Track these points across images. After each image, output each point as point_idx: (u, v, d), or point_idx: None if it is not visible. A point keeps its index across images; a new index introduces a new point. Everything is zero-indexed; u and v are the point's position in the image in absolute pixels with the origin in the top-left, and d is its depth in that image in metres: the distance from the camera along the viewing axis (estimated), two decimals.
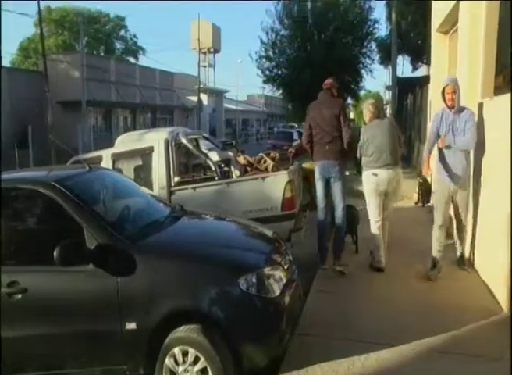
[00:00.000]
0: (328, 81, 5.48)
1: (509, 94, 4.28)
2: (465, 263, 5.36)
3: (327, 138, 5.26)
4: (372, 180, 5.30)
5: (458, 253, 5.39)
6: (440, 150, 5.15)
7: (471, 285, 4.94)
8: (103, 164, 6.07)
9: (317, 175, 5.37)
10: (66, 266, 3.07)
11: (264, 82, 24.06)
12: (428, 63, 14.58)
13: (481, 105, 5.33)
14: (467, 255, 5.55)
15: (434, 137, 5.21)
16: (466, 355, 3.60)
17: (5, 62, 29.73)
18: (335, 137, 5.24)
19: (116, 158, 6.20)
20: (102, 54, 46.02)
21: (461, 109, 5.03)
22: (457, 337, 3.84)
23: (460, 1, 6.51)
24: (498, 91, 5.46)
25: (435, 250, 5.18)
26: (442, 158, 5.15)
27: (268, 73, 23.41)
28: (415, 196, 9.65)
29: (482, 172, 5.14)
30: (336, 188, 5.32)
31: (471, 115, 4.99)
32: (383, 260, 5.41)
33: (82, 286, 3.22)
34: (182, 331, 3.10)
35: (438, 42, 9.16)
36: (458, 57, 6.89)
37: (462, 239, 5.34)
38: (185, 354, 3.11)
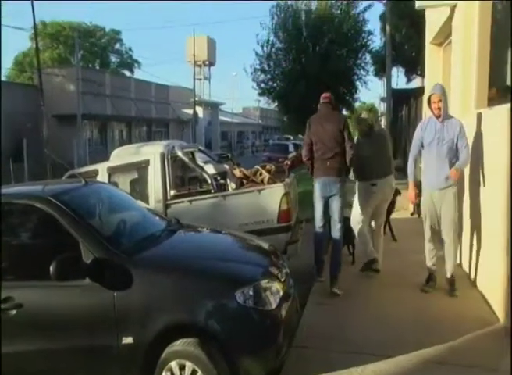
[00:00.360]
0: (327, 95, 5.39)
1: (507, 105, 4.32)
2: (453, 287, 4.98)
3: (329, 154, 5.10)
4: (371, 189, 5.46)
5: (448, 274, 5.03)
6: (425, 157, 5.07)
7: (467, 295, 4.94)
8: (99, 178, 6.07)
9: (317, 193, 5.20)
10: (62, 281, 3.06)
11: (260, 94, 24.19)
12: (422, 75, 14.73)
13: (479, 115, 5.36)
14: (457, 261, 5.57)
15: (417, 149, 5.09)
16: (463, 365, 3.60)
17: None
18: (337, 152, 5.10)
19: (112, 171, 6.20)
20: (97, 67, 46.19)
21: (448, 118, 4.92)
22: (454, 348, 3.84)
23: (454, 14, 6.60)
24: (491, 101, 5.53)
25: (429, 263, 5.13)
26: (425, 166, 5.08)
27: (263, 85, 23.54)
28: (411, 207, 9.67)
29: (480, 179, 5.16)
30: (336, 206, 5.16)
31: (461, 127, 4.85)
32: (375, 254, 5.62)
33: (78, 301, 3.21)
34: (179, 345, 3.09)
35: (432, 54, 9.27)
36: (452, 69, 6.98)
37: (449, 258, 4.99)
38: (182, 368, 3.09)
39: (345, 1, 22.31)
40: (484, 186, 4.92)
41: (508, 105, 4.33)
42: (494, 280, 4.47)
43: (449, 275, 5.01)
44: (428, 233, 5.10)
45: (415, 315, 4.54)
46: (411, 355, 3.73)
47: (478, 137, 5.18)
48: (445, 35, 8.03)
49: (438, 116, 4.87)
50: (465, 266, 5.73)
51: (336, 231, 5.23)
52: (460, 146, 4.81)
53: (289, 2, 22.36)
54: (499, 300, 4.35)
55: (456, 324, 4.26)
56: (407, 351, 3.76)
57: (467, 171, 5.58)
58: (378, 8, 35.11)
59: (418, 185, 9.30)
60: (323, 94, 5.41)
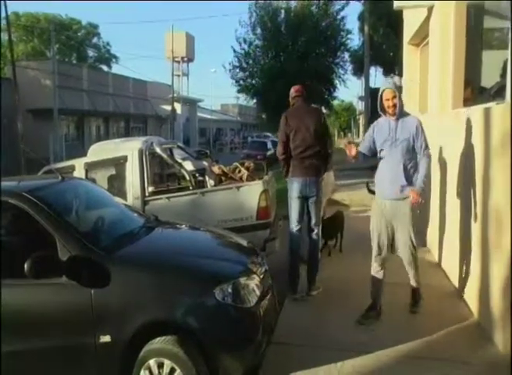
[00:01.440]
0: (298, 87, 5.13)
1: (483, 105, 4.41)
2: (416, 303, 4.60)
3: (308, 152, 4.85)
4: None
5: (412, 282, 4.56)
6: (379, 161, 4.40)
7: (444, 291, 5.03)
8: (76, 174, 5.99)
9: (294, 193, 4.92)
10: (38, 279, 3.01)
11: (238, 92, 24.19)
12: (400, 75, 14.86)
13: (456, 115, 5.45)
14: (437, 259, 5.67)
15: (365, 150, 4.41)
16: (439, 359, 3.67)
17: None
18: (317, 150, 4.88)
19: (89, 167, 6.12)
20: (74, 61, 45.48)
21: (404, 116, 4.32)
22: (431, 343, 3.91)
23: (431, 15, 6.69)
24: (466, 102, 5.63)
25: (372, 291, 4.45)
26: (378, 172, 4.42)
27: (241, 82, 23.54)
28: None
29: (455, 178, 5.26)
30: (314, 208, 4.96)
31: (418, 125, 4.23)
32: None
33: (54, 299, 3.16)
34: (157, 343, 3.07)
35: (409, 54, 9.38)
36: (429, 69, 7.07)
37: (413, 278, 4.51)
38: (160, 366, 3.07)
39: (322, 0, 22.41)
40: (458, 185, 5.01)
41: (483, 105, 4.42)
42: (469, 277, 4.56)
43: (413, 284, 4.55)
44: (374, 250, 4.41)
45: (394, 311, 4.59)
46: (389, 351, 3.78)
47: (454, 135, 5.26)
48: (422, 36, 8.14)
49: (392, 114, 4.24)
50: (433, 252, 5.83)
51: (314, 235, 5.06)
52: (418, 148, 4.21)
53: (267, 1, 22.38)
54: (473, 295, 4.45)
55: (433, 320, 4.33)
56: (384, 347, 3.81)
57: (439, 171, 5.70)
58: (357, 7, 35.54)
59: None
60: (292, 89, 5.15)
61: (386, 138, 4.26)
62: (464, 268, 4.74)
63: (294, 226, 5.02)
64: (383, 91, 4.23)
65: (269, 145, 25.01)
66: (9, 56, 21.28)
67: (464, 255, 4.72)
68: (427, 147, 4.24)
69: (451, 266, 5.33)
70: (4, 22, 21.15)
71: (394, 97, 4.18)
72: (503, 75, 4.38)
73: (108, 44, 51.89)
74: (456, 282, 5.10)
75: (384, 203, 4.30)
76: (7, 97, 22.23)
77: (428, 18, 6.88)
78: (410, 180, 4.20)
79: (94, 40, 51.52)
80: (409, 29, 9.02)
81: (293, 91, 5.13)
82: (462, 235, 4.83)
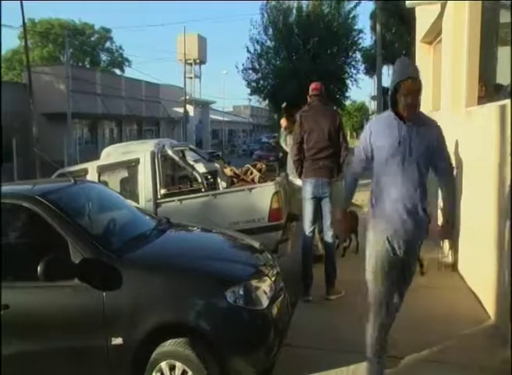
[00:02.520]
0: (317, 85, 5.02)
1: (497, 103, 4.34)
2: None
3: (322, 154, 4.81)
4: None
5: None
6: (380, 180, 3.25)
7: (457, 293, 4.96)
8: (89, 177, 6.03)
9: (307, 194, 4.91)
10: (50, 282, 3.03)
11: (251, 94, 24.19)
12: None
13: (469, 113, 5.38)
14: (451, 260, 5.62)
15: (361, 165, 3.44)
16: (454, 363, 3.62)
17: None
18: (331, 153, 4.84)
19: (102, 170, 6.16)
20: (88, 66, 45.92)
21: (423, 120, 3.20)
22: (445, 346, 3.85)
23: (444, 13, 6.61)
24: (481, 100, 5.55)
25: (370, 350, 3.32)
26: (379, 197, 3.27)
27: (254, 84, 23.54)
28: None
29: (469, 178, 5.19)
30: (328, 210, 4.91)
31: (440, 135, 3.16)
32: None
33: (67, 301, 3.18)
34: (169, 345, 3.07)
35: (422, 52, 9.30)
36: (442, 67, 7.00)
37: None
38: (172, 368, 3.07)
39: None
40: (473, 185, 4.94)
41: (497, 103, 4.35)
42: (485, 277, 4.49)
43: None
44: (374, 309, 3.26)
45: (407, 313, 4.53)
46: (403, 354, 3.73)
47: (468, 134, 5.20)
48: (435, 34, 8.06)
49: (410, 117, 3.06)
50: (449, 255, 5.77)
51: (329, 238, 5.02)
52: (442, 167, 3.15)
53: (280, 1, 22.36)
54: (489, 297, 4.38)
55: (448, 322, 4.27)
56: (398, 350, 3.76)
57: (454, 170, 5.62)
58: (369, 6, 35.40)
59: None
60: (312, 85, 5.06)
61: (396, 150, 3.05)
62: (480, 269, 4.67)
63: (308, 227, 5.00)
64: (406, 79, 3.00)
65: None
66: (25, 62, 21.52)
67: (480, 256, 4.65)
68: (451, 167, 3.25)
69: (467, 267, 5.26)
70: (21, 29, 21.43)
71: (419, 91, 3.03)
72: None
73: (120, 47, 52.40)
74: (472, 284, 5.03)
75: (392, 237, 3.14)
76: (22, 101, 22.53)
77: (441, 15, 6.81)
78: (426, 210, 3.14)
79: (107, 44, 52.02)
80: (421, 27, 8.94)
81: (311, 88, 5.05)
82: (478, 236, 4.76)
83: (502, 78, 5.57)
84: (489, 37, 5.79)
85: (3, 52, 44.65)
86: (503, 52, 5.82)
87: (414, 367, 3.60)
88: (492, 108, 4.46)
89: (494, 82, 5.87)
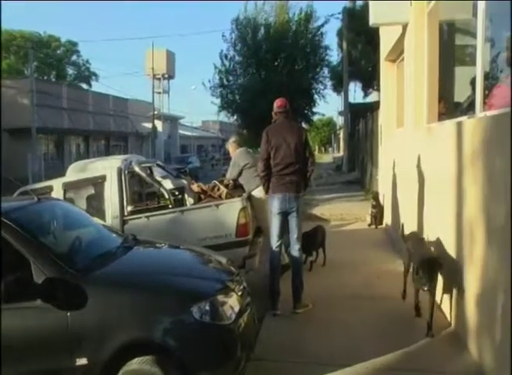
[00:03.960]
0: (282, 102, 5.10)
1: (455, 119, 4.52)
2: None
3: (289, 169, 4.88)
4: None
5: None
6: None
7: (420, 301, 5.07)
8: (54, 194, 5.93)
9: (274, 209, 4.96)
10: (12, 303, 2.97)
11: (220, 110, 24.24)
12: (378, 89, 15.14)
13: (430, 129, 5.56)
14: None
15: None
16: (416, 370, 3.72)
17: None
18: (297, 168, 4.92)
19: (67, 187, 6.08)
20: (53, 79, 45.24)
21: None
22: (408, 353, 3.95)
23: (406, 33, 6.85)
24: (441, 116, 5.76)
25: None
26: None
27: (223, 99, 23.62)
28: (368, 218, 9.89)
29: (430, 192, 5.35)
30: (295, 223, 4.98)
31: None
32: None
33: (29, 323, 3.11)
34: (135, 363, 3.04)
35: (386, 70, 9.59)
36: (405, 85, 7.23)
37: None
38: None
39: (302, 17, 22.72)
40: (434, 198, 5.11)
41: (455, 119, 4.54)
42: (446, 287, 4.63)
43: None
44: None
45: (371, 323, 4.63)
46: (368, 363, 3.80)
47: (429, 149, 5.37)
48: (398, 52, 8.33)
49: None
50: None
51: (296, 251, 5.05)
52: None
53: (249, 16, 22.62)
54: (448, 304, 4.52)
55: (411, 329, 4.39)
56: (363, 359, 3.84)
57: (416, 184, 5.80)
58: (336, 24, 36.21)
59: (376, 198, 9.58)
60: (277, 102, 5.13)
61: None
62: (440, 278, 4.80)
63: (275, 242, 5.05)
64: None
65: None
66: None
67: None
68: None
69: None
70: None
71: None
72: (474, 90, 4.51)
73: (87, 61, 51.83)
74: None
75: None
76: None
77: (403, 35, 7.06)
78: None
79: (74, 57, 51.39)
80: (385, 45, 9.23)
81: (275, 105, 5.13)
82: (439, 248, 4.91)
83: (459, 96, 5.81)
84: (447, 58, 6.05)
85: None
86: (458, 72, 6.09)
87: (378, 374, 3.67)
88: (450, 125, 4.64)
89: (453, 99, 6.11)
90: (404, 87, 7.34)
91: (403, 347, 4.04)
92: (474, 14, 4.29)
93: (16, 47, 41.23)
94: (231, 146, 6.53)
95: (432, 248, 4.92)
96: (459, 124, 4.29)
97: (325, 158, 46.23)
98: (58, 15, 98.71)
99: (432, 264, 4.25)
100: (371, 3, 7.22)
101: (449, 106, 6.04)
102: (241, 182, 6.08)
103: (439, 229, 4.94)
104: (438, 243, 4.89)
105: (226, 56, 23.06)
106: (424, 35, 6.05)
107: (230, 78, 23.51)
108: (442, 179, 4.77)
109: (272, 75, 21.83)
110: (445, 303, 4.71)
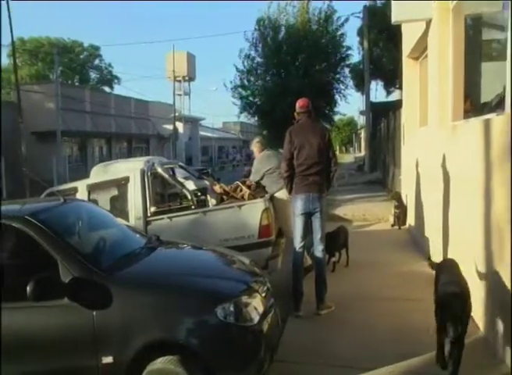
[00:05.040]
0: (304, 102, 5.06)
1: (482, 117, 4.43)
2: None
3: (312, 170, 4.87)
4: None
5: None
6: None
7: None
8: (78, 195, 6.02)
9: (297, 210, 4.94)
10: (40, 301, 3.02)
11: (240, 111, 24.27)
12: (400, 88, 14.96)
13: (455, 127, 5.47)
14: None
15: None
16: None
17: None
18: (320, 168, 4.90)
19: (92, 189, 6.16)
20: (77, 83, 45.98)
21: None
22: (432, 359, 3.88)
23: (429, 29, 6.75)
24: (466, 114, 5.66)
25: None
26: None
27: (243, 100, 23.65)
28: (391, 219, 9.78)
29: (454, 190, 5.26)
30: (318, 224, 4.95)
31: None
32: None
33: (57, 321, 3.16)
34: (159, 363, 3.06)
35: (409, 68, 9.46)
36: (429, 82, 7.12)
37: None
38: None
39: (322, 17, 22.61)
40: (460, 198, 5.02)
41: (482, 117, 4.45)
42: (477, 292, 4.53)
43: None
44: None
45: (397, 326, 4.56)
46: (392, 367, 3.75)
47: (454, 148, 5.28)
48: (421, 49, 8.21)
49: None
50: None
51: (319, 252, 5.04)
52: None
53: (270, 16, 22.59)
54: (478, 309, 4.41)
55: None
56: (387, 363, 3.78)
57: (442, 183, 5.71)
58: (357, 22, 36.01)
59: (399, 198, 9.47)
60: (300, 102, 5.10)
61: None
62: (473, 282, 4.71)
63: (298, 243, 5.03)
64: None
65: None
66: (14, 80, 21.52)
67: (467, 267, 4.70)
68: None
69: None
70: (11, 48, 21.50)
71: None
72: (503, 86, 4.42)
73: (109, 65, 52.59)
74: None
75: None
76: (10, 120, 22.48)
77: (426, 31, 6.95)
78: None
79: (96, 61, 52.18)
80: (408, 43, 9.11)
81: (298, 105, 5.10)
82: (464, 247, 4.82)
83: (486, 92, 5.70)
84: (473, 53, 5.93)
85: None
86: (486, 68, 5.97)
87: None
88: (477, 122, 4.55)
89: (479, 96, 6.00)
90: (428, 85, 7.23)
91: (428, 350, 3.96)
92: (504, 6, 4.21)
93: (44, 54, 42.08)
94: (255, 147, 6.50)
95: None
96: (487, 122, 4.20)
97: (346, 158, 45.95)
98: (81, 20, 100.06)
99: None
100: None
101: (475, 103, 5.92)
102: (264, 184, 6.06)
103: (468, 231, 4.84)
104: (466, 244, 4.80)
105: (249, 56, 23.10)
106: (448, 31, 5.94)
107: (251, 79, 23.52)
108: (469, 179, 4.69)
109: (292, 75, 21.77)
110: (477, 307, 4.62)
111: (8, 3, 18.35)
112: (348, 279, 6.08)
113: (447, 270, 3.97)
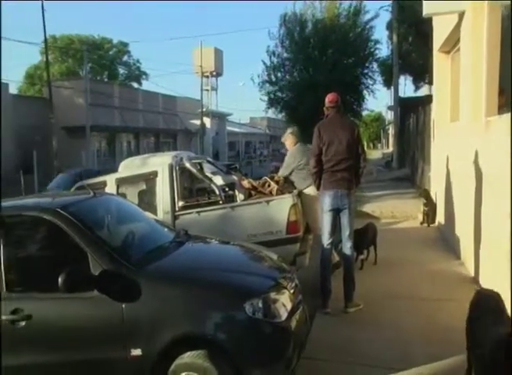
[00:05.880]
0: (334, 97, 5.00)
1: None
2: None
3: (341, 166, 4.80)
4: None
5: None
6: None
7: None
8: (107, 189, 6.09)
9: (325, 206, 4.89)
10: (71, 293, 3.06)
11: (268, 107, 24.22)
12: (430, 83, 14.70)
13: (489, 123, 5.31)
14: (473, 274, 5.52)
15: None
16: None
17: (13, 89, 30.14)
18: (349, 164, 4.83)
19: (120, 183, 6.22)
20: (106, 79, 46.63)
21: None
22: (462, 360, 3.79)
23: (462, 22, 6.58)
24: (501, 109, 5.49)
25: None
26: None
27: (271, 96, 23.59)
28: (420, 216, 9.61)
29: (492, 190, 5.12)
30: (347, 221, 4.90)
31: None
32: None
33: (87, 313, 3.20)
34: (188, 357, 3.07)
35: (440, 62, 9.25)
36: (461, 76, 6.94)
37: None
38: None
39: (352, 11, 22.33)
40: (493, 194, 4.88)
41: None
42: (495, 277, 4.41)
43: None
44: None
45: (426, 326, 4.48)
46: (422, 368, 3.67)
47: (488, 145, 5.14)
48: (453, 43, 8.02)
49: None
50: (468, 265, 5.66)
51: (347, 249, 4.99)
52: None
53: (296, 12, 22.45)
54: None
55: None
56: (417, 364, 3.71)
57: (474, 180, 5.56)
58: (385, 16, 35.44)
59: (428, 195, 9.30)
60: (329, 96, 5.03)
61: None
62: (504, 282, 4.58)
63: (326, 239, 4.98)
64: None
65: None
66: (46, 77, 22.00)
67: (502, 268, 4.57)
68: None
69: (488, 280, 5.17)
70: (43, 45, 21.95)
71: None
72: None
73: (138, 61, 53.01)
74: None
75: None
76: (43, 115, 22.99)
77: (458, 24, 6.77)
78: None
79: (125, 58, 52.74)
80: (439, 36, 8.91)
81: (327, 100, 5.03)
82: (499, 248, 4.69)
83: None
84: (508, 46, 5.74)
85: (27, 68, 45.83)
86: None
87: None
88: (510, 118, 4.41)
89: None
90: (460, 79, 7.05)
91: (458, 352, 3.87)
92: None
93: (74, 50, 42.85)
94: (288, 138, 6.29)
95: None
96: None
97: (374, 154, 45.44)
98: (111, 16, 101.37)
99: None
100: None
101: (510, 98, 5.74)
102: (292, 179, 6.01)
103: (499, 230, 4.70)
104: (496, 245, 4.67)
105: (274, 53, 23.01)
106: (483, 23, 5.74)
107: (278, 74, 23.43)
108: (503, 177, 4.55)
109: (319, 71, 21.58)
110: None
111: (42, 3, 18.74)
112: (376, 277, 5.99)
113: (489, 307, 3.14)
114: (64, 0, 49.46)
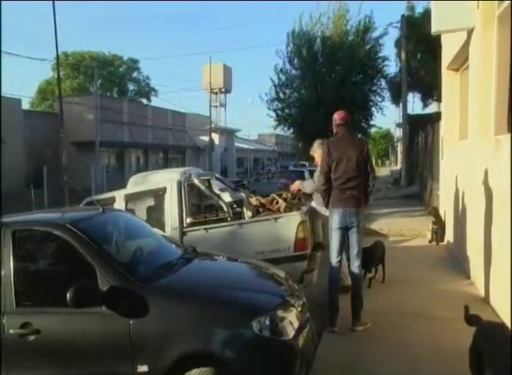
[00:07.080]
0: (343, 115, 5.00)
1: None
2: None
3: (350, 184, 4.80)
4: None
5: None
6: None
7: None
8: (116, 205, 6.12)
9: (334, 224, 4.88)
10: (79, 308, 3.07)
11: (276, 124, 24.30)
12: (438, 100, 14.70)
13: (498, 141, 5.30)
14: (483, 294, 5.45)
15: None
16: None
17: (25, 105, 30.55)
18: (358, 182, 4.82)
19: (129, 198, 6.25)
20: (115, 95, 47.17)
21: None
22: None
23: (471, 39, 6.59)
24: (510, 127, 5.47)
25: None
26: None
27: (279, 112, 23.69)
28: (428, 234, 9.55)
29: (502, 209, 5.09)
30: (355, 239, 4.88)
31: None
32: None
33: (94, 328, 3.21)
34: (194, 374, 3.05)
35: (448, 79, 9.27)
36: (470, 94, 6.93)
37: None
38: None
39: (361, 28, 22.44)
40: (503, 213, 4.84)
41: None
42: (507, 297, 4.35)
43: None
44: None
45: (432, 345, 4.42)
46: None
47: (498, 164, 5.12)
48: (461, 61, 8.04)
49: None
50: (478, 285, 5.59)
51: (355, 268, 4.96)
52: None
53: (304, 29, 22.62)
54: None
55: None
56: None
57: (484, 199, 5.53)
58: (394, 33, 35.62)
59: (437, 213, 9.24)
60: (339, 114, 5.03)
61: None
62: None
63: (334, 257, 4.95)
64: None
65: (306, 174, 25.05)
66: (57, 92, 22.29)
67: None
68: None
69: (499, 300, 5.11)
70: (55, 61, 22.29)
71: None
72: None
73: (147, 77, 53.73)
74: (506, 318, 4.87)
75: None
76: (53, 131, 23.23)
77: (467, 41, 6.78)
78: None
79: (135, 74, 53.42)
80: (447, 54, 8.94)
81: (337, 117, 5.03)
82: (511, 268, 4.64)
83: None
84: None
85: (39, 84, 46.55)
86: None
87: None
88: None
89: None
90: (468, 96, 7.04)
91: (466, 373, 3.82)
92: None
93: (85, 67, 43.50)
94: (316, 151, 5.95)
95: None
96: None
97: (382, 171, 45.35)
98: (121, 34, 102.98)
99: None
100: (433, 9, 6.99)
101: None
102: (314, 198, 5.95)
103: (508, 251, 4.66)
104: (508, 265, 4.62)
105: (282, 70, 23.17)
106: (492, 39, 5.74)
107: (286, 91, 23.55)
108: None
109: (328, 88, 21.68)
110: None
111: (55, 19, 19.08)
112: (384, 295, 5.95)
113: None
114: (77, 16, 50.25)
